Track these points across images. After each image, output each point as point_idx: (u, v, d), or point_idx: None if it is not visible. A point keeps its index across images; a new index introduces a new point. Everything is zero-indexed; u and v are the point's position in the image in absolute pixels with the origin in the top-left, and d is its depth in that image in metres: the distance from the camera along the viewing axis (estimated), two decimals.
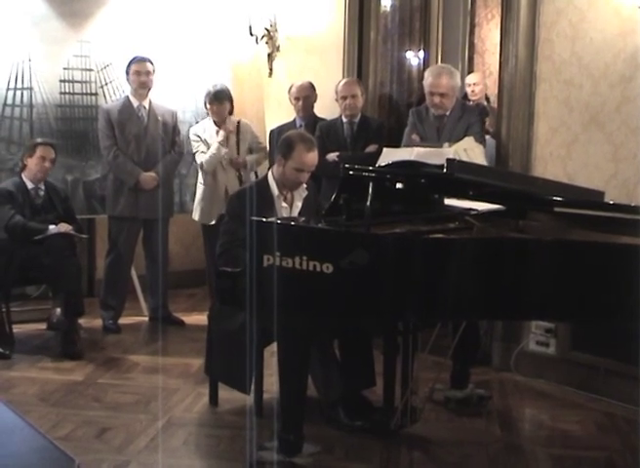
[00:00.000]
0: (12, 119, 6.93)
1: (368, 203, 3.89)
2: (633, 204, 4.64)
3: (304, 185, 4.95)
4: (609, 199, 4.63)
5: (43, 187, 6.43)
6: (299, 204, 4.97)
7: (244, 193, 4.80)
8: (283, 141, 4.79)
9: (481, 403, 5.19)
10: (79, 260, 6.53)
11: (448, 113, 5.88)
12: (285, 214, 4.83)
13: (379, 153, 5.14)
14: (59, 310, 6.19)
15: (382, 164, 4.56)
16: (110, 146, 6.71)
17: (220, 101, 6.72)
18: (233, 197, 5.06)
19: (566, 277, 3.83)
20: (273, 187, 4.88)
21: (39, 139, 6.59)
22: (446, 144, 5.55)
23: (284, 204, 4.91)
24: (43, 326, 6.60)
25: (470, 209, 4.55)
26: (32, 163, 6.36)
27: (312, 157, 4.77)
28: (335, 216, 4.35)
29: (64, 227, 6.27)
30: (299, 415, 4.24)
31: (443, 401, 5.17)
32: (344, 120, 6.50)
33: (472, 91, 8.11)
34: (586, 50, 5.47)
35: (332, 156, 6.28)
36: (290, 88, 6.99)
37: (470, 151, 5.45)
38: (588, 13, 5.44)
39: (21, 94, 6.95)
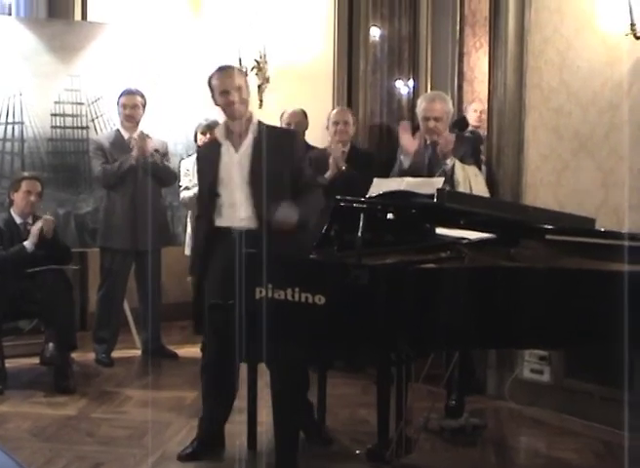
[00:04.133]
0: (3, 153, 6.94)
1: (359, 234, 3.89)
2: (624, 230, 4.65)
3: (255, 125, 4.79)
4: (600, 225, 4.64)
5: (31, 221, 6.42)
6: (248, 148, 4.76)
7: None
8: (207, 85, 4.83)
9: (476, 432, 5.17)
10: (73, 295, 6.52)
11: (442, 141, 5.85)
12: (231, 160, 4.75)
13: (369, 183, 5.14)
14: (51, 345, 6.15)
15: (373, 194, 4.56)
16: (102, 164, 6.71)
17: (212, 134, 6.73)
18: None
19: (558, 304, 3.84)
20: (220, 137, 4.82)
21: (25, 173, 6.60)
22: (456, 162, 5.53)
23: (231, 148, 4.78)
24: (36, 360, 6.55)
25: (462, 238, 4.55)
26: (18, 197, 6.36)
27: (228, 75, 4.76)
28: (326, 247, 4.34)
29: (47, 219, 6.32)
30: (294, 447, 4.23)
31: (438, 430, 5.15)
32: (338, 144, 6.49)
33: (479, 117, 8.13)
34: (574, 78, 5.50)
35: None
36: (282, 114, 7.01)
37: (478, 178, 5.49)
38: (575, 41, 5.48)
39: (12, 128, 6.97)
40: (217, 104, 4.81)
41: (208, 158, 4.87)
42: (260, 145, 4.66)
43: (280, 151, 4.65)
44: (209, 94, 4.79)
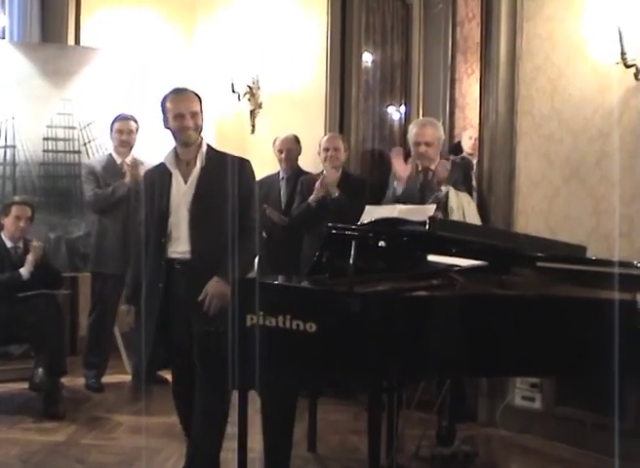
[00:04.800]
0: None
1: (351, 261, 3.89)
2: (615, 258, 4.66)
3: (203, 154, 4.60)
4: (591, 253, 4.64)
5: (22, 245, 6.41)
6: (195, 179, 4.58)
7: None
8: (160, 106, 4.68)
9: (468, 459, 5.15)
10: (63, 319, 6.50)
11: (433, 167, 5.85)
12: (179, 191, 4.58)
13: (361, 209, 5.14)
14: (41, 370, 6.11)
15: (365, 221, 4.56)
16: (93, 188, 6.71)
17: None
18: None
19: (549, 332, 3.84)
20: (170, 166, 4.62)
21: (16, 198, 6.61)
22: (450, 189, 5.53)
23: (180, 178, 4.59)
24: (25, 385, 6.48)
25: (453, 265, 4.56)
26: (8, 222, 6.37)
27: (184, 98, 4.59)
28: (318, 275, 4.35)
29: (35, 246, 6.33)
30: None
31: (429, 458, 5.13)
32: (332, 170, 6.49)
33: (473, 144, 8.15)
34: (565, 105, 5.53)
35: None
36: (274, 140, 7.02)
37: (470, 205, 5.50)
38: (567, 69, 5.51)
39: (4, 152, 6.97)
40: (167, 127, 4.64)
41: (159, 185, 4.64)
42: (207, 177, 4.54)
43: (226, 185, 4.46)
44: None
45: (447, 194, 5.53)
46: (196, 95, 4.62)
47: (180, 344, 4.50)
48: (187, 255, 4.51)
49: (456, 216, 5.38)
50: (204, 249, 4.46)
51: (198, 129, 4.58)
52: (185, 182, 4.57)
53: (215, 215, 4.43)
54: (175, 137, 4.62)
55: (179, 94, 4.63)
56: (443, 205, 5.44)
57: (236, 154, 4.76)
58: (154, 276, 4.55)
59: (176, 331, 4.51)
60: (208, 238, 4.45)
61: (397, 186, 5.79)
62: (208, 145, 4.67)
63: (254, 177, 4.70)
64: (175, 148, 4.65)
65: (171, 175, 4.59)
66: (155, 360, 4.68)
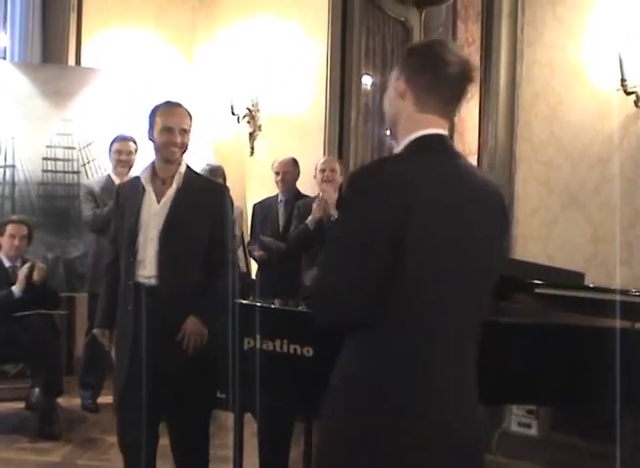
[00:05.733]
0: None
1: None
2: (613, 285, 4.66)
3: (182, 174, 4.37)
4: (589, 280, 4.64)
5: (20, 265, 6.41)
6: (169, 200, 4.34)
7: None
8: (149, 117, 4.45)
9: None
10: (60, 339, 6.49)
11: None
12: (150, 210, 4.34)
13: None
14: (37, 389, 6.10)
15: None
16: (91, 208, 6.69)
17: (215, 178, 6.71)
18: None
19: (546, 360, 3.83)
20: (145, 182, 4.38)
21: (14, 217, 6.62)
22: None
23: (153, 196, 4.35)
24: (21, 404, 6.47)
25: None
26: (4, 241, 6.38)
27: (176, 113, 4.37)
28: None
29: (40, 268, 6.33)
30: None
31: None
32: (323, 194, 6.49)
33: None
34: (565, 132, 5.55)
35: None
36: (273, 163, 7.02)
37: None
38: (566, 95, 5.53)
39: (4, 171, 6.97)
40: (151, 140, 4.41)
41: (130, 201, 4.41)
42: (182, 199, 4.32)
43: (201, 209, 4.34)
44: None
45: None
46: (188, 112, 4.45)
47: (151, 374, 4.27)
48: (153, 281, 4.29)
49: None
50: (172, 276, 4.26)
51: (184, 147, 4.37)
52: (158, 202, 4.33)
53: (186, 241, 4.27)
54: (156, 152, 4.39)
55: (171, 107, 4.41)
56: None
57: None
58: (124, 298, 4.36)
59: (147, 358, 4.26)
60: (176, 265, 4.26)
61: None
62: (187, 166, 4.45)
63: (231, 206, 4.57)
64: (153, 163, 4.42)
65: (144, 191, 4.36)
66: (129, 391, 4.42)
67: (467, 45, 9.54)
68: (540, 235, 5.65)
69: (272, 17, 7.78)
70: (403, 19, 7.64)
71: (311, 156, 6.96)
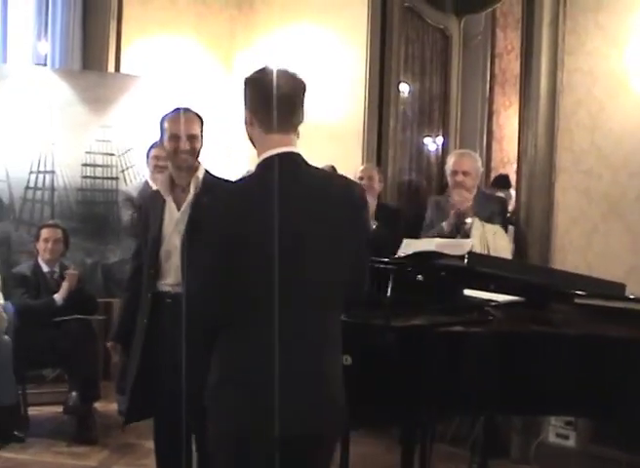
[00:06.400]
0: (33, 202, 7.00)
1: (387, 294, 3.88)
2: None
3: (199, 179, 4.29)
4: (629, 291, 4.60)
5: (58, 270, 6.46)
6: (188, 206, 4.26)
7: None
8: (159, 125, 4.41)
9: None
10: (97, 346, 6.52)
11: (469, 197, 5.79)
12: (172, 218, 4.29)
13: (397, 239, 5.11)
14: (75, 394, 6.14)
15: (403, 254, 4.55)
16: (130, 214, 6.71)
17: None
18: None
19: (585, 371, 3.81)
20: (164, 192, 4.34)
21: (49, 221, 6.70)
22: (475, 220, 5.48)
23: (172, 205, 4.30)
24: (58, 408, 6.51)
25: (490, 300, 4.53)
26: (39, 246, 6.46)
27: (181, 119, 4.29)
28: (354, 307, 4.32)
29: (71, 274, 6.37)
30: None
31: None
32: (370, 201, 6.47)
33: None
34: (606, 140, 5.51)
35: None
36: None
37: (497, 236, 5.43)
38: (608, 104, 5.49)
39: (44, 177, 7.02)
40: (164, 146, 4.38)
41: (152, 214, 4.37)
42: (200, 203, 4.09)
43: None
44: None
45: (471, 225, 5.49)
46: (198, 116, 4.41)
47: (165, 392, 4.22)
48: (178, 289, 4.13)
49: (477, 248, 5.30)
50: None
51: (195, 153, 4.29)
52: (178, 209, 4.28)
53: None
54: (170, 159, 4.35)
55: (177, 114, 4.36)
56: (466, 236, 5.40)
57: None
58: (142, 311, 4.31)
59: (163, 374, 4.19)
60: None
61: (446, 227, 5.68)
62: (206, 171, 4.36)
63: None
64: (169, 173, 4.39)
65: (164, 201, 4.31)
66: (134, 410, 4.44)
67: (506, 53, 9.54)
68: (579, 245, 5.60)
69: (311, 24, 7.78)
70: (442, 26, 7.62)
71: (349, 164, 6.94)
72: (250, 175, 2.98)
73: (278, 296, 2.80)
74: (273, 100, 2.90)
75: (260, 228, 2.82)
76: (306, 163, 3.04)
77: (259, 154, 2.96)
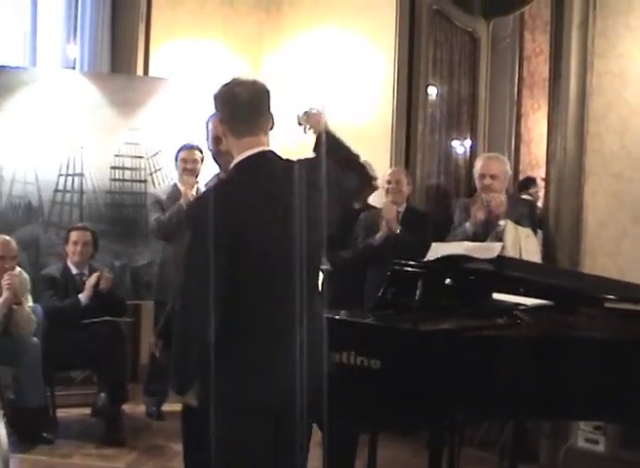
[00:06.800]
0: (62, 204, 7.04)
1: (417, 298, 3.87)
2: None
3: None
4: None
5: (87, 272, 6.49)
6: None
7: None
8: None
9: None
10: (126, 348, 6.55)
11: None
12: None
13: (425, 243, 5.10)
14: (103, 396, 6.16)
15: (431, 258, 4.54)
16: (158, 217, 6.72)
17: None
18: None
19: (614, 375, 3.79)
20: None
21: (78, 224, 6.74)
22: (508, 223, 5.46)
23: None
24: (87, 410, 6.51)
25: (519, 303, 4.51)
26: (69, 249, 6.50)
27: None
28: (383, 311, 4.32)
29: (101, 278, 6.40)
30: None
31: None
32: (393, 205, 6.45)
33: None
34: (636, 143, 5.48)
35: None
36: None
37: (528, 239, 5.41)
38: (639, 107, 5.44)
39: (73, 180, 7.06)
40: (210, 149, 4.36)
41: None
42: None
43: None
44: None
45: (504, 228, 5.47)
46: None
47: None
48: None
49: (510, 251, 5.29)
50: None
51: None
52: None
53: None
54: (213, 160, 4.44)
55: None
56: (498, 239, 5.38)
57: None
58: None
59: None
60: None
61: (470, 228, 5.67)
62: None
63: None
64: (218, 175, 4.47)
65: None
66: None
67: (535, 55, 9.49)
68: (608, 249, 5.57)
69: (339, 27, 7.77)
70: (470, 29, 7.59)
71: (377, 167, 6.88)
72: (226, 178, 3.33)
73: (288, 284, 3.18)
74: (237, 108, 3.25)
75: (257, 221, 3.15)
76: (280, 157, 3.38)
77: (235, 157, 3.27)
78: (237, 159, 3.26)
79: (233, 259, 3.10)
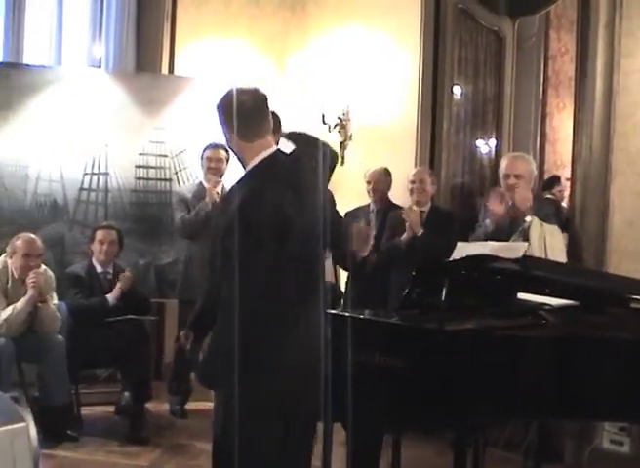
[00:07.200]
0: (87, 203, 7.07)
1: (442, 298, 3.86)
2: None
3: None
4: None
5: (112, 271, 6.51)
6: None
7: None
8: None
9: None
10: (150, 346, 6.57)
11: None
12: None
13: (451, 242, 5.09)
14: (127, 394, 6.17)
15: (457, 258, 4.52)
16: (183, 215, 6.73)
17: None
18: None
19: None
20: None
21: (103, 223, 6.77)
22: (534, 220, 5.43)
23: None
24: (111, 408, 6.52)
25: (543, 303, 4.49)
26: (94, 247, 6.51)
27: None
28: (408, 310, 4.31)
29: (126, 276, 6.44)
30: None
31: None
32: (414, 208, 6.46)
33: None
34: None
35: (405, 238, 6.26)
36: (365, 172, 6.98)
37: (554, 237, 5.38)
38: None
39: (98, 178, 7.10)
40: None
41: None
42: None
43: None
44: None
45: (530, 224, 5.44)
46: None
47: None
48: None
49: (536, 248, 5.26)
50: None
51: None
52: None
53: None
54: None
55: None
56: (524, 235, 5.35)
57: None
58: None
59: None
60: None
61: (489, 224, 5.67)
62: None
63: None
64: None
65: None
66: None
67: (560, 54, 9.46)
68: (635, 248, 5.53)
69: (364, 26, 7.77)
70: (496, 28, 7.57)
71: (402, 166, 6.93)
72: (257, 175, 3.49)
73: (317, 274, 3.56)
74: (245, 114, 3.51)
75: (293, 214, 3.41)
76: (285, 153, 3.61)
77: (248, 161, 3.54)
78: (257, 159, 3.52)
79: (282, 250, 3.37)
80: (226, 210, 3.56)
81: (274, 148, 3.56)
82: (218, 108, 3.62)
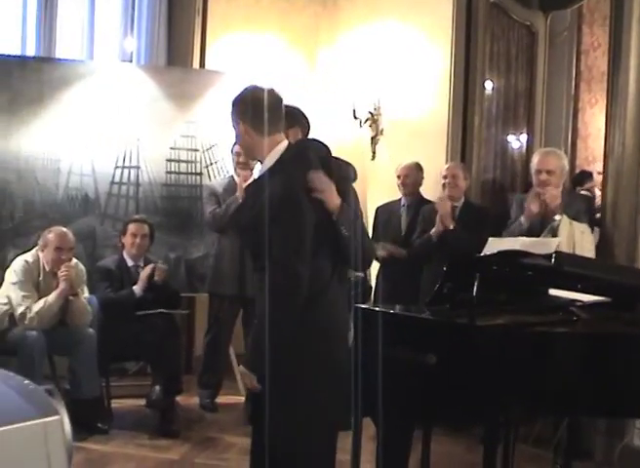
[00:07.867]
0: (118, 197, 7.11)
1: (474, 293, 3.84)
2: None
3: None
4: None
5: (143, 265, 6.53)
6: None
7: None
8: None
9: None
10: (181, 340, 6.58)
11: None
12: None
13: (483, 238, 5.07)
14: (158, 388, 6.19)
15: (488, 253, 4.51)
16: (214, 210, 6.73)
17: None
18: None
19: None
20: None
21: (136, 216, 6.79)
22: (564, 218, 5.40)
23: None
24: (141, 401, 6.55)
25: (575, 300, 4.46)
26: (126, 241, 6.54)
27: None
28: (439, 305, 4.30)
29: (161, 269, 6.49)
30: None
31: None
32: (447, 200, 6.41)
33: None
34: None
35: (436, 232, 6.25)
36: (397, 167, 6.95)
37: (584, 235, 5.35)
38: None
39: (129, 172, 7.13)
40: None
41: None
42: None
43: None
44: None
45: (559, 223, 5.42)
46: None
47: None
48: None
49: (564, 246, 5.23)
50: None
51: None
52: None
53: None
54: None
55: None
56: (553, 234, 5.33)
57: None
58: None
59: None
60: None
61: (524, 221, 5.63)
62: None
63: None
64: None
65: None
66: None
67: (593, 49, 9.41)
68: None
69: (395, 21, 7.75)
70: (528, 23, 7.53)
71: (433, 161, 6.92)
72: (284, 163, 3.58)
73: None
74: (264, 111, 3.56)
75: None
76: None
77: (265, 154, 3.62)
78: (278, 149, 3.62)
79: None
80: (259, 200, 3.55)
81: (287, 141, 3.68)
82: (236, 102, 3.70)
